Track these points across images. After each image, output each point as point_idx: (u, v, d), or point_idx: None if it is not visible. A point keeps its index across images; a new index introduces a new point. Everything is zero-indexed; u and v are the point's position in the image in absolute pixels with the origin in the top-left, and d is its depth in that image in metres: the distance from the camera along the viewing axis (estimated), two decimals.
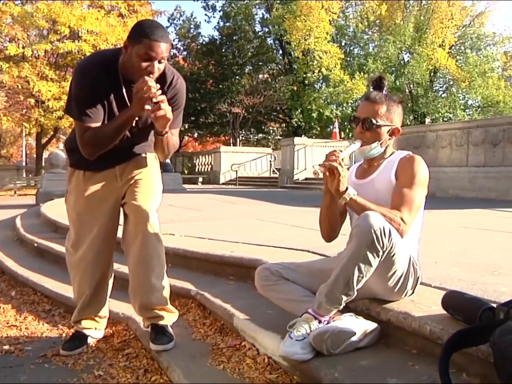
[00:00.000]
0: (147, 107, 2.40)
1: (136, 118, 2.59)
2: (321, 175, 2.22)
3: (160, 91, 2.42)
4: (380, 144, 2.43)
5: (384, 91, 2.46)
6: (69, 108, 2.61)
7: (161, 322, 2.76)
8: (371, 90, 2.50)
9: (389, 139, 2.46)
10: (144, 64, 2.40)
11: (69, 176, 2.87)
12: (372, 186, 2.43)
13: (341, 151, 2.28)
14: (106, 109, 2.56)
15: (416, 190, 2.33)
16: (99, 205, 2.79)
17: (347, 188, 2.24)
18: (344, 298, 2.15)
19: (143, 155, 2.83)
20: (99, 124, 2.54)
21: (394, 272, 2.21)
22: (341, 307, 2.19)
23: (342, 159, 2.24)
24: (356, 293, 2.15)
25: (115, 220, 2.88)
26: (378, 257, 2.10)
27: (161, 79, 2.57)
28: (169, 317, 2.81)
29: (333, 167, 2.19)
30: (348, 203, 2.26)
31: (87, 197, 2.77)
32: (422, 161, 2.42)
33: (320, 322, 2.17)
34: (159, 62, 2.43)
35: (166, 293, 2.79)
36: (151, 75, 2.41)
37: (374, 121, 2.39)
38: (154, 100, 2.38)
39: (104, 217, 2.81)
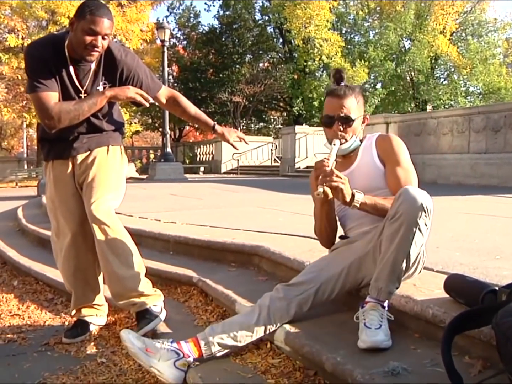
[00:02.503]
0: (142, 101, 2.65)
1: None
2: (328, 192, 2.21)
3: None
4: (357, 136, 2.45)
5: (343, 83, 2.46)
6: (27, 87, 2.68)
7: (140, 309, 2.78)
8: (332, 84, 2.49)
9: (361, 129, 2.49)
10: (89, 38, 2.52)
11: (44, 169, 2.98)
12: (358, 175, 2.44)
13: (327, 159, 2.24)
14: (58, 85, 2.64)
15: (407, 167, 2.41)
16: (66, 190, 2.86)
17: (353, 195, 2.21)
18: (402, 276, 2.17)
19: (105, 148, 2.89)
20: (56, 93, 2.61)
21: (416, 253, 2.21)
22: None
23: (334, 167, 2.22)
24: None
25: (83, 204, 2.88)
26: (427, 229, 2.13)
27: (110, 58, 2.71)
28: (149, 300, 2.80)
29: (332, 184, 2.16)
30: (360, 208, 2.25)
31: (56, 184, 2.87)
32: (397, 138, 2.49)
33: (383, 307, 2.13)
34: (103, 38, 2.55)
35: (138, 279, 2.77)
36: (95, 49, 2.54)
37: (351, 117, 2.39)
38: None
39: (72, 201, 2.86)
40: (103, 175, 2.82)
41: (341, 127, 2.39)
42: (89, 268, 2.94)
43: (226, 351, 2.24)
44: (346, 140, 2.40)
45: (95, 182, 2.78)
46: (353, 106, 2.39)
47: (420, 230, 2.10)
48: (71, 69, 2.66)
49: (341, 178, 2.17)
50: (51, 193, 2.90)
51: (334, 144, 2.35)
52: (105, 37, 2.56)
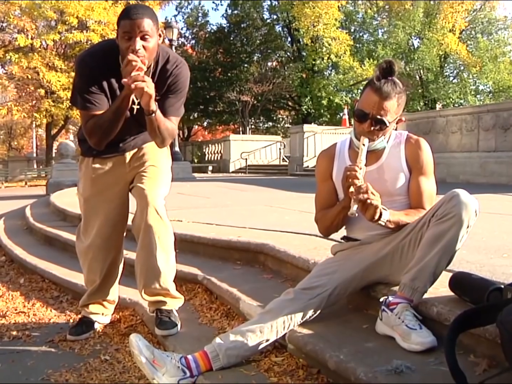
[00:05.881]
0: (124, 80, 2.35)
1: (134, 98, 2.57)
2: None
3: (144, 67, 2.37)
4: (385, 137, 2.35)
5: (391, 78, 2.26)
6: (74, 99, 2.64)
7: (165, 307, 2.76)
8: (379, 78, 2.25)
9: (393, 129, 2.37)
10: (126, 43, 2.40)
11: (79, 164, 2.91)
12: (379, 174, 2.35)
13: (358, 166, 2.18)
14: (109, 97, 2.57)
15: (431, 179, 2.35)
16: (107, 191, 2.80)
17: (381, 213, 2.17)
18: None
19: (153, 142, 2.80)
20: (98, 111, 2.54)
21: None
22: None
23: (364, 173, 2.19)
24: None
25: (123, 206, 2.89)
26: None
27: (164, 69, 2.60)
28: (174, 302, 2.81)
29: (372, 203, 2.12)
30: (383, 225, 2.22)
31: (94, 183, 2.80)
32: (427, 144, 2.39)
33: (411, 306, 2.10)
34: (142, 39, 2.40)
35: (171, 278, 2.78)
36: (137, 54, 2.37)
37: (386, 122, 2.25)
38: (135, 73, 2.33)
39: (111, 202, 2.82)
40: (159, 170, 2.79)
41: (373, 127, 2.26)
42: (113, 267, 2.93)
43: (237, 361, 2.15)
44: (374, 140, 2.30)
45: (152, 175, 2.73)
46: (393, 108, 2.24)
47: (467, 231, 2.09)
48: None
49: (375, 195, 2.13)
50: (86, 190, 2.83)
51: (364, 144, 2.25)
52: (146, 37, 2.39)
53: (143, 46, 2.40)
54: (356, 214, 2.16)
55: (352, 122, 2.43)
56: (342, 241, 2.52)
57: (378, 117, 2.24)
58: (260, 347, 2.16)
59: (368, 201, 2.11)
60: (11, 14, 23.80)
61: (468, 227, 2.08)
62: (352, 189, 2.16)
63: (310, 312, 2.22)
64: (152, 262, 2.67)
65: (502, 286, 1.93)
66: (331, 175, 2.46)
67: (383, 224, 2.20)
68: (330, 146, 2.59)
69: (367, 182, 2.15)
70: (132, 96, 2.53)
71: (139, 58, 2.35)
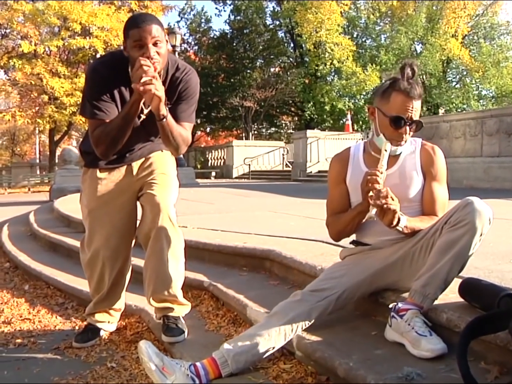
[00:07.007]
0: (134, 84, 2.34)
1: (143, 106, 2.55)
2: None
3: (155, 73, 2.35)
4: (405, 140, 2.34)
5: (411, 80, 2.28)
6: (83, 109, 2.60)
7: (172, 314, 2.74)
8: (403, 80, 2.27)
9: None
10: (139, 52, 2.38)
11: (82, 176, 2.86)
12: (397, 180, 2.33)
13: (379, 171, 2.17)
14: (119, 107, 2.55)
15: (445, 186, 2.37)
16: (113, 201, 2.76)
17: (399, 219, 2.16)
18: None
19: (160, 151, 2.82)
20: (106, 119, 2.52)
21: None
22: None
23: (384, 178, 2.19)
24: None
25: (131, 215, 2.85)
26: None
27: (175, 77, 2.60)
28: (181, 309, 2.79)
29: (390, 208, 2.11)
30: (400, 231, 2.21)
31: (101, 195, 2.76)
32: (441, 152, 2.40)
33: (421, 312, 2.08)
34: (154, 45, 2.39)
35: (179, 285, 2.76)
36: (153, 60, 2.36)
37: (423, 123, 2.28)
38: (145, 76, 2.30)
39: (118, 213, 2.79)
40: (167, 178, 2.77)
41: (410, 130, 2.27)
42: (120, 276, 2.90)
43: (245, 366, 2.12)
44: (401, 144, 2.30)
45: (161, 182, 2.71)
46: (420, 109, 2.28)
47: (480, 239, 2.09)
48: None
49: (394, 200, 2.12)
50: (91, 202, 2.78)
51: (386, 150, 2.25)
52: (157, 42, 2.39)
53: (157, 52, 2.40)
54: (375, 219, 2.15)
55: (372, 128, 2.41)
56: (351, 245, 2.50)
57: (416, 119, 2.26)
58: (268, 352, 2.14)
59: (386, 206, 2.10)
60: (15, 21, 23.87)
61: (481, 234, 2.07)
62: (371, 193, 2.15)
63: (318, 315, 2.20)
64: (162, 268, 2.66)
65: None
66: (345, 179, 2.45)
67: (400, 229, 2.19)
68: (343, 150, 2.56)
69: (387, 187, 2.15)
70: (141, 105, 2.51)
71: (153, 64, 2.35)
